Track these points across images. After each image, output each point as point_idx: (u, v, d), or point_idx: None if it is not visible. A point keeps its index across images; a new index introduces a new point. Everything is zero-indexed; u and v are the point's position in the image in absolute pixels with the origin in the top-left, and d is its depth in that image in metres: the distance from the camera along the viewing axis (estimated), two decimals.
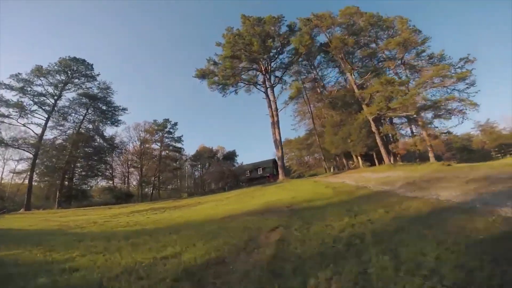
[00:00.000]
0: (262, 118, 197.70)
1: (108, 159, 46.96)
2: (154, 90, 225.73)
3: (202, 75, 33.27)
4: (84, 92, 45.29)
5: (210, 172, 46.24)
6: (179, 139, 66.41)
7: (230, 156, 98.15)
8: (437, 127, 29.17)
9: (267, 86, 33.01)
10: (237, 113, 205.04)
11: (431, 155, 28.06)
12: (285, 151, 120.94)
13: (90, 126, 46.24)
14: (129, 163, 56.01)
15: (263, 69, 32.61)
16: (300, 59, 34.13)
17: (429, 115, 29.09)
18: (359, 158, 34.26)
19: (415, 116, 27.48)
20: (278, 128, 30.06)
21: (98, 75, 46.43)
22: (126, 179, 55.03)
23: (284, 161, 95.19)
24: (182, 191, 64.85)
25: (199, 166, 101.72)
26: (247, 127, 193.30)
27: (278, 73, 35.12)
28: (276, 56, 32.96)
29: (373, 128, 28.19)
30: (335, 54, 31.62)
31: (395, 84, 25.35)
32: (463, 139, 55.23)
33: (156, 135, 63.63)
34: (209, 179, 46.26)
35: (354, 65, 33.09)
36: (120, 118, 47.86)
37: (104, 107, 48.06)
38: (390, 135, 33.31)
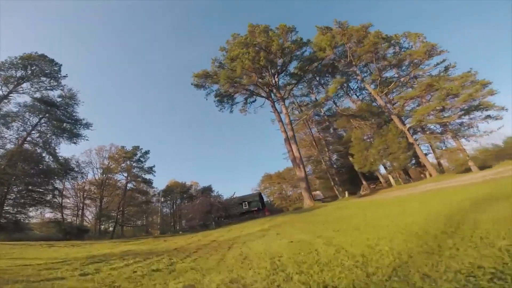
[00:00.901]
0: (238, 152, 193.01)
1: (57, 186, 36.23)
2: (122, 114, 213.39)
3: (203, 78, 27.71)
4: (42, 98, 36.55)
5: (195, 205, 37.74)
6: (149, 170, 57.21)
7: (206, 192, 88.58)
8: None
9: (277, 98, 28.25)
10: (211, 147, 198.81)
11: (471, 163, 26.14)
12: (265, 185, 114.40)
13: (40, 140, 36.38)
14: (85, 193, 44.99)
15: (271, 80, 28.07)
16: (315, 68, 30.59)
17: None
18: (389, 175, 30.12)
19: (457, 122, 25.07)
20: (296, 144, 24.45)
21: (65, 77, 38.27)
22: (80, 211, 43.52)
23: (264, 195, 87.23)
24: (152, 228, 53.45)
25: (169, 202, 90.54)
26: (221, 161, 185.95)
27: (281, 85, 31.17)
28: (285, 67, 28.89)
29: (410, 139, 24.55)
30: (355, 64, 29.14)
31: (445, 92, 22.42)
32: None
33: (123, 164, 54.05)
34: (192, 214, 37.47)
35: (373, 76, 30.64)
36: (83, 133, 38.80)
37: (62, 118, 38.91)
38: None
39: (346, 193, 35.91)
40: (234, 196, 43.30)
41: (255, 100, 34.78)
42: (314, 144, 46.10)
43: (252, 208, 57.05)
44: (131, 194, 52.60)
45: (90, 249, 13.89)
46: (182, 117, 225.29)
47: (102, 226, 43.60)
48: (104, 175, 48.57)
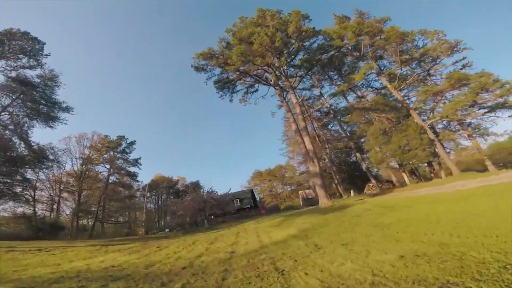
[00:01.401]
0: (228, 147, 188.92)
1: (28, 177, 31.66)
2: (109, 100, 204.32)
3: (207, 58, 24.24)
4: (18, 76, 32.10)
5: (185, 202, 34.40)
6: (135, 162, 53.05)
7: (194, 187, 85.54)
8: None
9: (287, 87, 25.44)
10: (199, 141, 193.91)
11: (488, 163, 25.30)
12: (256, 183, 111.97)
13: (10, 123, 31.80)
14: (62, 185, 40.47)
15: (279, 67, 25.18)
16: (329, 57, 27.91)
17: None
18: (404, 173, 28.17)
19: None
20: (308, 135, 21.72)
21: (47, 55, 33.78)
22: (56, 206, 39.00)
23: (256, 193, 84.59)
24: (135, 226, 49.40)
25: (154, 197, 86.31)
26: (210, 157, 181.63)
27: (290, 74, 28.35)
28: (295, 54, 26.05)
29: (431, 135, 22.71)
30: (371, 56, 26.95)
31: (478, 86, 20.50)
32: None
33: (106, 154, 49.67)
34: (182, 211, 34.13)
35: (391, 70, 28.66)
36: (61, 116, 34.48)
37: (39, 99, 34.54)
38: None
39: (352, 192, 33.81)
40: (230, 192, 40.14)
41: (257, 90, 32.00)
42: (317, 140, 43.86)
43: (244, 205, 54.21)
44: (114, 187, 48.35)
45: (61, 258, 10.61)
46: (170, 110, 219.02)
47: (81, 222, 39.33)
48: (83, 166, 44.08)
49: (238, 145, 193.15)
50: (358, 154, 36.15)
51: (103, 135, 50.38)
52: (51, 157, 36.67)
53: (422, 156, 23.74)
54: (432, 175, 29.53)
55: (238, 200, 54.87)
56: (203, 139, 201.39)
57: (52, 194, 38.26)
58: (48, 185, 38.77)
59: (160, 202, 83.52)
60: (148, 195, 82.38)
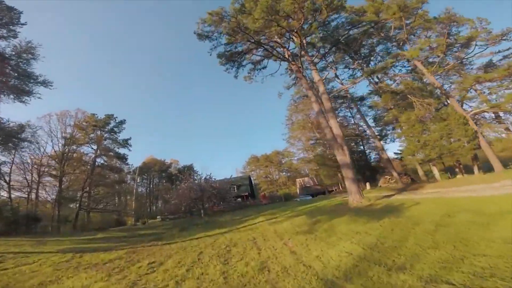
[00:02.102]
0: (223, 130, 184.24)
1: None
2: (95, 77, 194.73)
3: (216, 21, 19.95)
4: None
5: (180, 190, 30.97)
6: (124, 143, 48.88)
7: (189, 171, 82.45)
8: None
9: (307, 61, 21.47)
10: (193, 122, 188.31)
11: None
12: (252, 168, 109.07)
13: None
14: (41, 168, 36.30)
15: (299, 40, 21.06)
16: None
17: None
18: (434, 167, 25.43)
19: None
20: (335, 117, 18.13)
21: (23, 25, 28.95)
22: (35, 193, 35.01)
23: (253, 178, 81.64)
24: (125, 214, 45.89)
25: (145, 181, 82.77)
26: (204, 140, 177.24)
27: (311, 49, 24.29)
28: (317, 27, 21.79)
29: (474, 126, 19.86)
30: (406, 38, 23.47)
31: None
32: None
33: (92, 134, 45.28)
34: (177, 199, 30.79)
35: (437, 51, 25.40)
36: (35, 90, 29.94)
37: (10, 72, 29.99)
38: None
39: (368, 185, 31.07)
40: (231, 178, 36.90)
41: (266, 67, 28.00)
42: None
43: (242, 193, 51.33)
44: (101, 171, 44.37)
45: (6, 281, 7.14)
46: (163, 87, 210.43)
47: (63, 212, 35.38)
48: (66, 147, 39.75)
49: (234, 128, 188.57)
50: (378, 143, 32.94)
51: (89, 113, 45.79)
52: (28, 136, 32.49)
53: (467, 148, 20.95)
54: (457, 170, 26.90)
55: (235, 186, 51.91)
56: (197, 120, 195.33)
57: (28, 180, 34.10)
58: (24, 168, 34.56)
59: (152, 186, 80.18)
60: (138, 180, 78.70)
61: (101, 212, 41.29)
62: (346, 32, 22.88)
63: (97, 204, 41.04)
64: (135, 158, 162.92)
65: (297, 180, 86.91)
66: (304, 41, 21.41)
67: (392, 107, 27.89)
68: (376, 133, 34.70)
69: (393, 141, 35.02)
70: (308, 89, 20.47)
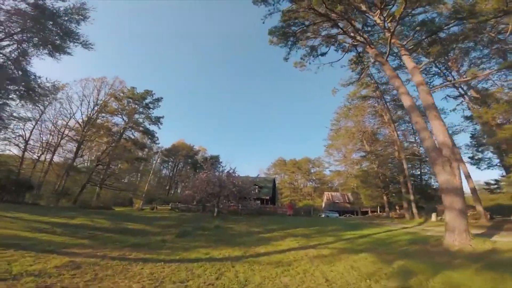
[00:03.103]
0: (257, 125, 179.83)
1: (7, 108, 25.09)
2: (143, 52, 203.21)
3: None
4: (35, 2, 25.46)
5: (197, 181, 26.87)
6: (157, 120, 46.66)
7: (212, 163, 79.29)
8: None
9: (395, 45, 15.69)
10: (228, 113, 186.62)
11: None
12: (276, 171, 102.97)
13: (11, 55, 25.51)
14: (65, 132, 34.83)
15: (384, 22, 15.44)
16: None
17: None
18: None
19: None
20: (440, 118, 12.06)
21: None
22: (46, 153, 33.23)
23: (277, 184, 75.54)
24: (137, 195, 43.24)
25: (171, 164, 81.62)
26: (236, 132, 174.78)
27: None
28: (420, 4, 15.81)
29: None
30: None
31: None
32: None
33: (126, 106, 43.58)
34: (193, 189, 26.70)
35: None
36: (72, 47, 27.70)
37: (53, 28, 27.93)
38: None
39: (434, 216, 24.09)
40: (257, 177, 32.13)
41: (325, 53, 22.58)
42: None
43: (263, 196, 45.91)
44: (125, 144, 42.36)
45: None
46: (206, 74, 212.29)
47: (67, 184, 32.93)
48: (95, 113, 38.12)
49: (265, 123, 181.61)
50: (464, 167, 24.41)
51: (127, 85, 44.21)
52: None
53: None
54: None
55: (257, 187, 46.86)
56: (233, 110, 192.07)
57: (49, 141, 32.58)
58: (48, 130, 33.13)
59: (175, 170, 78.68)
60: (163, 162, 77.56)
61: (113, 190, 38.93)
62: (453, 21, 16.42)
63: (114, 181, 38.63)
64: (166, 140, 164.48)
65: (325, 193, 79.40)
66: (389, 25, 15.63)
67: (503, 121, 20.50)
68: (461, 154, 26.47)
69: (491, 168, 26.53)
70: (394, 77, 14.58)
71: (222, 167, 31.55)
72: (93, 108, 37.75)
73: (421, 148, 36.02)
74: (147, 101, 45.70)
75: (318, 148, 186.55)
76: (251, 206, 29.63)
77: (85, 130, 34.71)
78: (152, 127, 46.34)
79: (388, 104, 37.92)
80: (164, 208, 37.17)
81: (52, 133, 32.86)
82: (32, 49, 26.37)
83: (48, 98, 30.83)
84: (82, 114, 36.77)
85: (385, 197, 37.69)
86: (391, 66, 16.74)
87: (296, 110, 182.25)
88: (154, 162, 53.95)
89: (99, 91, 39.18)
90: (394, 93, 36.52)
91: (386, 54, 15.56)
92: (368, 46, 17.22)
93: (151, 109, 46.26)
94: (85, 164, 34.72)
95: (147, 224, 18.46)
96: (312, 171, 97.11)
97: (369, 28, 20.20)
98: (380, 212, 47.90)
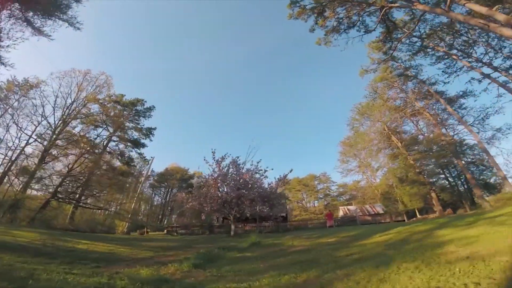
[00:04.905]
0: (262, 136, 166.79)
1: None
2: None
3: None
4: None
5: (199, 194, 18.96)
6: (148, 132, 39.41)
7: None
8: None
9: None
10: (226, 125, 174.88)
11: None
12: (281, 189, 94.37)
13: None
14: (31, 134, 26.96)
15: None
16: None
17: None
18: None
19: None
20: None
21: None
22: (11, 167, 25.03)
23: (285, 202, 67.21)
24: (121, 217, 32.85)
25: (163, 190, 72.91)
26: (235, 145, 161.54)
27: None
28: None
29: None
30: None
31: None
32: None
33: (112, 112, 36.14)
34: (196, 202, 18.69)
35: None
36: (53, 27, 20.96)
37: None
38: None
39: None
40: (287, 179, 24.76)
41: (355, 25, 18.50)
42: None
43: (278, 212, 37.99)
44: (108, 158, 34.20)
45: None
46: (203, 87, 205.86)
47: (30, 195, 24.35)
48: (71, 118, 30.35)
49: (271, 140, 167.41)
50: None
51: (117, 93, 37.27)
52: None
53: None
54: None
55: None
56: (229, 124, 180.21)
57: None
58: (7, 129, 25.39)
59: (169, 196, 69.72)
60: (150, 188, 68.61)
61: (91, 208, 29.68)
62: None
63: (88, 197, 29.51)
64: (159, 165, 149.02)
65: (340, 208, 72.25)
66: None
67: None
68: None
69: None
70: (470, 19, 9.03)
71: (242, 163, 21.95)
72: (70, 108, 30.23)
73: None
74: (137, 108, 39.01)
75: (320, 164, 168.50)
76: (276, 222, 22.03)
77: (55, 134, 27.02)
78: (143, 140, 39.01)
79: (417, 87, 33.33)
80: (157, 233, 28.49)
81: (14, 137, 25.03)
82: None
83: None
84: (55, 117, 29.13)
85: (433, 194, 31.76)
86: None
87: (295, 127, 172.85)
88: (143, 186, 44.91)
89: (79, 87, 31.56)
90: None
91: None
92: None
93: (141, 117, 39.41)
94: (51, 176, 25.84)
95: (134, 246, 10.41)
96: (318, 187, 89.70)
97: None
98: (424, 214, 38.99)
